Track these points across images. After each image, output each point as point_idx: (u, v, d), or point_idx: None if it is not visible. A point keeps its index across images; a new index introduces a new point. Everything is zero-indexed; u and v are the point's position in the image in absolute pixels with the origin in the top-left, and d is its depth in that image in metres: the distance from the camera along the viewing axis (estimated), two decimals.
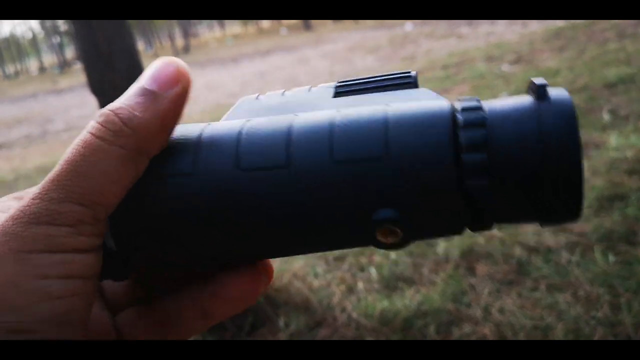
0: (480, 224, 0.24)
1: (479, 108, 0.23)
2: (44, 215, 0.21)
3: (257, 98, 0.27)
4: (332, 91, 0.27)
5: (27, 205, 0.21)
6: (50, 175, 0.22)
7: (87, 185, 0.21)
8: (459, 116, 0.23)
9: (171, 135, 0.24)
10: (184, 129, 0.25)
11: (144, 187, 0.23)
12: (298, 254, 0.25)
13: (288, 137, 0.23)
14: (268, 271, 0.26)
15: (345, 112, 0.24)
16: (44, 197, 0.21)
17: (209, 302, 0.25)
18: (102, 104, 1.73)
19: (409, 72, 0.26)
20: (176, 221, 0.23)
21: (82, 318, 0.22)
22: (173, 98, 0.23)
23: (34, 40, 73.65)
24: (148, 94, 0.23)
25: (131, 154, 0.22)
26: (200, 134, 0.24)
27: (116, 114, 0.22)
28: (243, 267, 0.25)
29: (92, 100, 1.87)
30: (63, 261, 0.21)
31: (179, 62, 0.23)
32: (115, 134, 0.22)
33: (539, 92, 0.22)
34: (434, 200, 0.22)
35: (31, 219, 0.21)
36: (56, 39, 58.76)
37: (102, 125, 0.22)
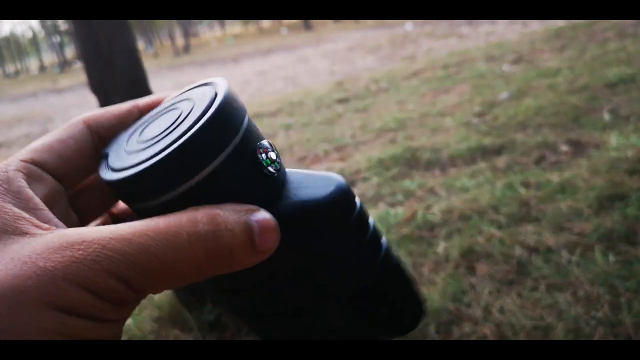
0: None
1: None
2: (92, 284, 0.20)
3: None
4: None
5: (84, 265, 0.21)
6: (123, 242, 0.21)
7: (152, 275, 0.21)
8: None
9: None
10: None
11: None
12: None
13: None
14: None
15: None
16: (103, 263, 0.21)
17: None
18: (103, 103, 1.73)
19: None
20: None
21: None
22: (262, 257, 0.24)
23: (34, 39, 73.60)
24: (251, 240, 0.23)
25: (202, 270, 0.23)
26: None
27: (216, 234, 0.22)
28: None
29: (92, 99, 1.87)
30: (86, 327, 0.21)
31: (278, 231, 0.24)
32: (204, 249, 0.22)
33: None
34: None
35: (80, 282, 0.20)
36: (56, 38, 58.74)
37: (196, 228, 0.22)
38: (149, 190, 0.23)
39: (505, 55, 6.55)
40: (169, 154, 0.23)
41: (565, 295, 1.68)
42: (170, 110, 0.26)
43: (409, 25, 15.26)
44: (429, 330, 1.64)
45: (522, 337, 1.55)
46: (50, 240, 0.21)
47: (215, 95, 0.25)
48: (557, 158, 2.80)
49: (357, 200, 0.27)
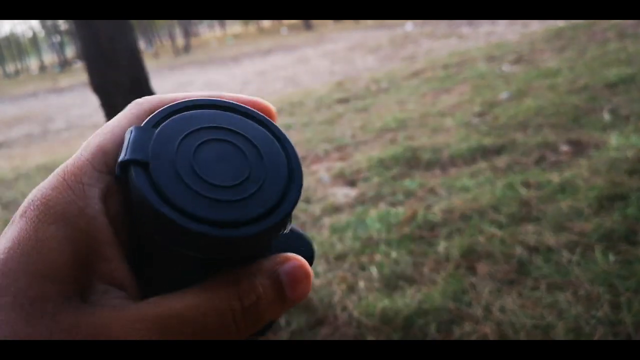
0: None
1: None
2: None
3: None
4: None
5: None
6: (169, 319, 0.22)
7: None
8: None
9: None
10: None
11: None
12: None
13: None
14: None
15: None
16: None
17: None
18: (104, 102, 1.73)
19: None
20: None
21: None
22: (292, 305, 0.25)
23: (34, 39, 73.59)
24: (281, 296, 0.25)
25: (231, 333, 0.24)
26: None
27: (256, 304, 0.24)
28: None
29: (92, 99, 1.88)
30: None
31: (311, 273, 0.26)
32: (244, 323, 0.24)
33: None
34: None
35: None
36: (57, 38, 58.72)
37: (242, 304, 0.24)
38: (237, 250, 0.24)
39: (505, 55, 6.55)
40: (275, 222, 0.24)
41: (566, 294, 1.68)
42: (223, 142, 0.25)
43: (409, 25, 15.27)
44: (430, 330, 1.64)
45: (522, 336, 1.55)
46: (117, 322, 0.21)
47: (286, 154, 0.26)
48: (557, 158, 2.80)
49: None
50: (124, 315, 0.21)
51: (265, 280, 0.24)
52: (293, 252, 0.26)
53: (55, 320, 0.20)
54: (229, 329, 0.23)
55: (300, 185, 0.25)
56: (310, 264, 0.28)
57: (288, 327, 1.74)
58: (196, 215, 0.23)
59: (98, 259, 0.22)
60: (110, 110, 1.75)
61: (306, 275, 0.25)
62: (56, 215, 0.22)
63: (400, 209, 2.54)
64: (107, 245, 0.23)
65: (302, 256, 0.26)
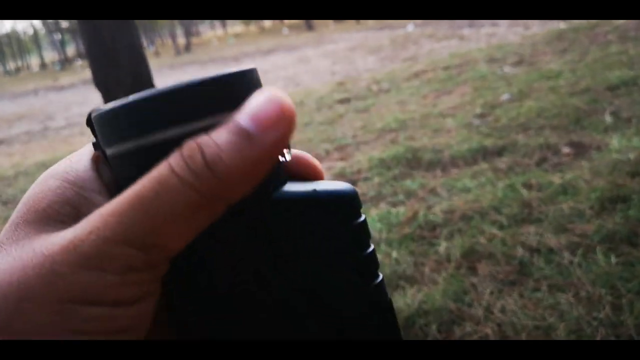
0: None
1: None
2: (95, 258, 0.19)
3: None
4: None
5: (82, 240, 0.19)
6: (115, 205, 0.20)
7: (150, 225, 0.19)
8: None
9: None
10: None
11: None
12: None
13: None
14: None
15: None
16: (100, 233, 0.19)
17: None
18: (106, 99, 1.73)
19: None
20: None
21: None
22: (271, 144, 0.19)
23: (35, 36, 73.55)
24: (242, 135, 0.19)
25: (208, 201, 0.19)
26: None
27: (202, 151, 0.19)
28: None
29: (92, 97, 1.87)
30: (103, 316, 0.19)
31: (284, 99, 0.20)
32: (195, 176, 0.19)
33: None
34: None
35: (82, 261, 0.19)
36: (57, 36, 58.71)
37: (184, 160, 0.19)
38: (149, 123, 0.21)
39: (506, 57, 6.55)
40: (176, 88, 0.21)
41: (567, 296, 1.68)
42: None
43: (410, 26, 15.27)
44: (431, 330, 1.64)
45: (523, 337, 1.55)
46: (64, 233, 0.20)
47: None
48: (558, 160, 2.80)
49: (363, 214, 0.26)
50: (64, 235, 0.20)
51: (219, 131, 0.20)
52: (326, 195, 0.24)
53: (20, 243, 0.21)
54: (189, 198, 0.19)
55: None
56: (353, 211, 0.25)
57: None
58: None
59: (87, 203, 0.22)
60: None
61: (278, 105, 0.20)
62: (53, 172, 0.23)
63: (401, 209, 2.53)
64: (96, 193, 0.23)
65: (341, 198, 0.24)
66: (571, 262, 1.84)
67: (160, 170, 0.19)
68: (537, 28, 9.06)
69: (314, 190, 0.24)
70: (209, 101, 0.21)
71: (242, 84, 0.22)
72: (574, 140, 3.01)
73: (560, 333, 1.52)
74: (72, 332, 0.19)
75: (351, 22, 25.65)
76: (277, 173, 0.24)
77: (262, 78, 0.25)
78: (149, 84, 1.74)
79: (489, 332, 1.59)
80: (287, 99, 0.20)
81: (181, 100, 0.21)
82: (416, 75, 6.63)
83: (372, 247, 0.25)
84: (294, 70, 10.28)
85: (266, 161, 0.20)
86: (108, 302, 0.19)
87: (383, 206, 2.63)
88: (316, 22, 30.02)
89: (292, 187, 0.24)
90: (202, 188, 0.19)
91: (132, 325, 0.20)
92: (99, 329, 0.19)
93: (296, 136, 4.49)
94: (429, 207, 2.49)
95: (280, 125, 0.19)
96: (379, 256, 2.13)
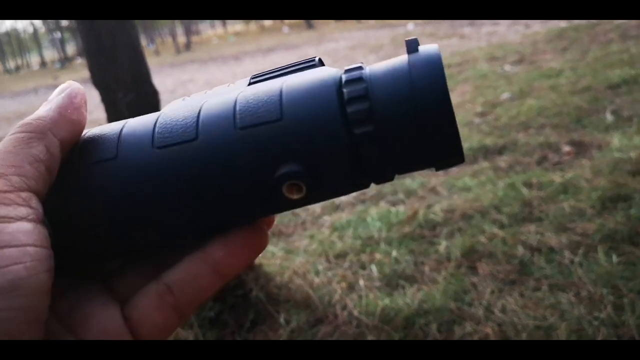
0: (378, 174, 0.25)
1: (359, 68, 0.25)
2: None
3: (183, 99, 0.29)
4: (247, 82, 0.29)
5: None
6: None
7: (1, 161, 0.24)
8: (343, 77, 0.25)
9: (92, 130, 0.27)
10: (110, 126, 0.27)
11: (72, 175, 0.26)
12: (218, 229, 0.26)
13: (197, 115, 0.25)
14: (266, 222, 0.28)
15: (247, 90, 0.26)
16: None
17: (217, 252, 0.26)
18: (105, 98, 1.72)
19: (313, 58, 0.28)
20: (104, 203, 0.25)
21: (33, 287, 0.22)
22: (66, 95, 0.27)
23: (35, 35, 73.55)
24: (46, 102, 0.27)
25: (37, 135, 0.25)
26: (123, 126, 0.27)
27: (27, 119, 0.26)
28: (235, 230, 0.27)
29: (92, 95, 1.86)
30: None
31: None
32: (22, 125, 0.26)
33: (411, 47, 0.25)
34: (329, 152, 0.24)
35: None
36: (57, 35, 58.73)
37: (18, 126, 0.26)
38: None
39: (507, 55, 6.54)
40: None
41: (568, 295, 1.67)
42: None
43: (410, 25, 15.26)
44: (431, 330, 1.63)
45: (524, 337, 1.54)
46: None
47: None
48: (559, 158, 2.79)
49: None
50: None
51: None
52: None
53: None
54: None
55: None
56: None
57: (287, 325, 1.73)
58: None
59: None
60: (111, 106, 1.74)
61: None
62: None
63: (401, 208, 2.52)
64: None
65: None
66: (572, 262, 1.83)
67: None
68: (538, 27, 9.05)
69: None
70: None
71: None
72: (575, 139, 3.00)
73: (561, 333, 1.52)
74: None
75: (352, 21, 25.64)
76: None
77: None
78: (148, 82, 1.74)
79: (489, 332, 1.58)
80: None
81: None
82: None
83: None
84: None
85: (69, 105, 0.27)
86: None
87: (383, 205, 2.63)
88: (317, 21, 30.00)
89: None
90: (28, 129, 0.26)
91: (23, 240, 0.22)
92: None
93: None
94: (429, 206, 2.48)
95: (67, 87, 0.29)
96: (379, 255, 2.12)
